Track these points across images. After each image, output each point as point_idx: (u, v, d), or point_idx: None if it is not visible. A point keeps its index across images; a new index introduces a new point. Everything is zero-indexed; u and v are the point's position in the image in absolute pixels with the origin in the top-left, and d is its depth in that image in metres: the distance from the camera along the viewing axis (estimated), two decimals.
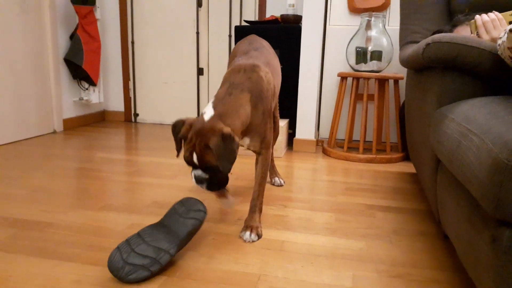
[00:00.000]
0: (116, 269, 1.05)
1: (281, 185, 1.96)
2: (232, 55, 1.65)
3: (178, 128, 1.28)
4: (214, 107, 1.26)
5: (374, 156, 2.51)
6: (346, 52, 2.62)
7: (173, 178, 2.02)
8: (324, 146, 2.74)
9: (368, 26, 2.55)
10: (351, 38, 2.60)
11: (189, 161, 1.24)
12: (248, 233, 1.36)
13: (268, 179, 2.01)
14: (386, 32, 2.55)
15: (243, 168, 2.28)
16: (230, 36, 3.38)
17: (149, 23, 3.54)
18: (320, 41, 2.62)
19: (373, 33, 2.54)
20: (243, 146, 1.43)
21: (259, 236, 1.37)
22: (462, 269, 1.20)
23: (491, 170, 0.71)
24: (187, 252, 1.25)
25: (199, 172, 1.25)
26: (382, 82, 2.60)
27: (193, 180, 1.27)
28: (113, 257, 1.07)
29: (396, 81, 2.61)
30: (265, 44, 1.65)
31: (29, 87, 2.91)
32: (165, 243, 1.12)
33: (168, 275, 1.12)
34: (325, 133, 3.02)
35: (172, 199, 1.72)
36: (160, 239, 1.12)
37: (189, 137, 1.22)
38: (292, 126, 2.89)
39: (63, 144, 2.77)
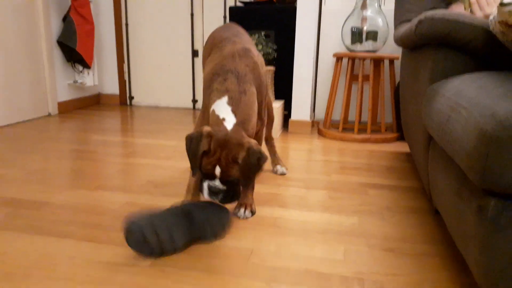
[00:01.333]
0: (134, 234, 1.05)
1: (284, 174, 1.85)
2: (210, 43, 1.52)
3: (196, 141, 1.15)
4: (234, 112, 1.19)
5: (369, 136, 2.52)
6: (342, 32, 2.61)
7: (168, 159, 2.03)
8: (320, 127, 2.75)
9: (364, 6, 2.53)
10: (347, 18, 2.58)
11: (210, 174, 1.17)
12: (242, 210, 1.37)
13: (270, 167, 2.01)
14: (381, 12, 2.54)
15: None
16: (225, 17, 3.35)
17: (143, 5, 3.50)
18: (316, 21, 2.60)
19: (368, 13, 2.52)
20: None
21: (253, 213, 1.39)
22: (451, 243, 1.23)
23: (478, 141, 0.72)
24: None
25: (216, 183, 1.17)
26: (377, 62, 2.60)
27: (206, 191, 1.19)
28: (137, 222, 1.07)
29: (391, 61, 2.61)
30: (241, 30, 1.59)
31: (22, 70, 2.89)
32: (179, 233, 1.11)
33: None
34: (320, 114, 3.02)
35: (168, 179, 1.74)
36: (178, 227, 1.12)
37: (212, 149, 1.14)
38: (287, 108, 2.89)
39: (58, 127, 2.76)
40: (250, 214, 1.37)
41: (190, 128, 2.79)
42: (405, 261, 1.11)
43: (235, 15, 2.83)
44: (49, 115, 3.19)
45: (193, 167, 1.17)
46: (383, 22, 2.52)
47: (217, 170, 1.15)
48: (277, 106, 2.56)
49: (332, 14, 2.84)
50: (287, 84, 2.84)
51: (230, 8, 2.82)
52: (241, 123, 1.19)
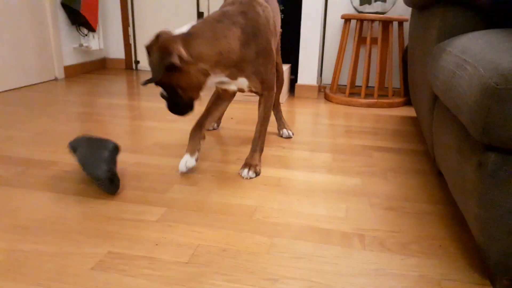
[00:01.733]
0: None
1: (290, 137, 1.86)
2: None
3: (150, 41, 1.23)
4: (192, 26, 1.20)
5: (376, 100, 2.51)
6: None
7: (174, 122, 2.05)
8: (326, 92, 2.73)
9: None
10: None
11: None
12: (246, 170, 1.39)
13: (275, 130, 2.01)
14: None
15: (245, 112, 2.29)
16: None
17: None
18: None
19: None
20: (243, 90, 1.41)
21: (257, 174, 1.41)
22: (452, 202, 1.24)
23: (480, 94, 0.72)
24: (187, 187, 1.30)
25: (161, 89, 1.25)
26: (386, 24, 2.54)
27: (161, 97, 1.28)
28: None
29: (400, 23, 2.55)
30: None
31: (27, 33, 2.88)
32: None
33: (168, 206, 1.16)
34: (327, 79, 2.99)
35: (174, 141, 1.75)
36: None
37: (149, 46, 1.20)
38: (294, 72, 2.86)
39: (65, 91, 2.77)
40: (254, 175, 1.39)
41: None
42: (405, 219, 1.13)
43: None
44: (56, 79, 3.19)
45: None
46: None
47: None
48: (284, 69, 2.53)
49: None
50: (294, 47, 2.80)
51: None
52: (188, 35, 1.18)
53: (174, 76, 1.18)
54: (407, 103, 2.62)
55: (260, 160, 1.46)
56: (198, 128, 1.45)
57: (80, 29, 3.38)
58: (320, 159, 1.58)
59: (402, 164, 1.55)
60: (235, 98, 2.58)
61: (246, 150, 1.67)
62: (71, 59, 3.35)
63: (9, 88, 2.75)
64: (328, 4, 2.82)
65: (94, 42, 3.44)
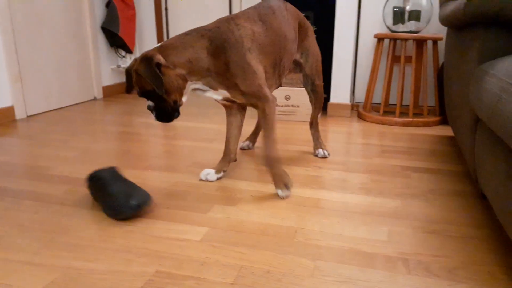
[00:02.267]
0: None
1: (325, 157, 1.86)
2: None
3: (129, 65, 1.37)
4: (163, 41, 1.34)
5: (411, 119, 2.48)
6: (383, 12, 2.55)
7: (211, 142, 2.09)
8: (360, 110, 2.72)
9: None
10: None
11: (138, 92, 1.36)
12: (279, 190, 1.41)
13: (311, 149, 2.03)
14: None
15: (285, 132, 2.31)
16: None
17: None
18: (356, 2, 2.55)
19: None
20: (234, 101, 1.46)
21: (289, 188, 1.42)
22: (498, 226, 1.21)
23: None
24: (227, 207, 1.32)
25: (148, 101, 1.37)
26: (420, 43, 2.53)
27: (148, 110, 1.39)
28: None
29: (435, 41, 2.53)
30: (276, 7, 1.55)
31: (70, 56, 3.03)
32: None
33: (210, 226, 1.19)
34: (359, 97, 2.99)
35: (211, 160, 1.79)
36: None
37: (134, 69, 1.31)
38: (326, 90, 2.88)
39: (103, 110, 2.88)
40: (287, 192, 1.42)
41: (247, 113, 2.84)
42: (450, 243, 1.12)
43: None
44: (95, 99, 3.33)
45: (126, 85, 1.43)
46: (427, 1, 2.44)
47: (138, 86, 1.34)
48: None
49: None
50: (326, 66, 2.82)
51: None
52: (159, 47, 1.31)
53: None
54: (443, 122, 2.58)
55: (284, 172, 1.42)
56: (227, 152, 1.59)
57: (118, 51, 3.52)
58: (357, 180, 1.58)
59: (442, 186, 1.53)
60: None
61: (290, 170, 1.68)
62: (109, 80, 3.49)
63: (53, 108, 2.89)
64: (360, 23, 2.84)
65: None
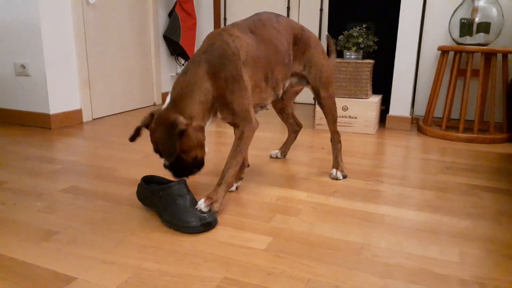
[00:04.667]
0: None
1: (337, 179, 1.70)
2: None
3: (143, 118, 1.34)
4: (170, 94, 1.30)
5: (476, 135, 2.37)
6: (449, 24, 2.46)
7: (267, 150, 2.10)
8: (420, 124, 2.63)
9: None
10: (456, 9, 2.44)
11: (154, 150, 1.34)
12: (203, 203, 1.28)
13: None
14: (496, 2, 2.35)
15: (345, 144, 2.28)
16: (321, 10, 3.33)
17: None
18: (420, 13, 2.49)
19: (481, 3, 2.35)
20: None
21: (213, 211, 1.28)
22: None
23: None
24: (289, 217, 1.32)
25: (164, 160, 1.35)
26: (489, 56, 2.41)
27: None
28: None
29: (505, 55, 2.41)
30: (266, 19, 1.51)
31: (134, 63, 3.17)
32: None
33: (274, 236, 1.19)
34: (419, 110, 2.89)
35: (270, 169, 1.80)
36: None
37: (151, 128, 1.31)
38: (385, 102, 2.81)
39: None
40: (207, 209, 1.27)
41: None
42: None
43: (335, 7, 2.80)
44: (154, 104, 3.45)
45: (131, 136, 1.39)
46: (498, 12, 2.33)
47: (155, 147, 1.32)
48: (375, 100, 2.50)
49: (438, 5, 2.69)
50: (386, 77, 2.76)
51: (330, 1, 2.81)
52: (173, 102, 1.27)
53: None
54: (511, 139, 2.44)
55: (223, 196, 1.33)
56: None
57: (178, 59, 3.64)
58: (422, 196, 1.52)
59: None
60: (325, 127, 2.59)
61: (344, 182, 1.66)
62: (168, 86, 3.61)
63: (116, 112, 3.03)
64: (423, 34, 2.76)
65: None
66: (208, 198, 1.30)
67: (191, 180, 1.65)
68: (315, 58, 1.62)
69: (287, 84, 1.62)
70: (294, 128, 1.95)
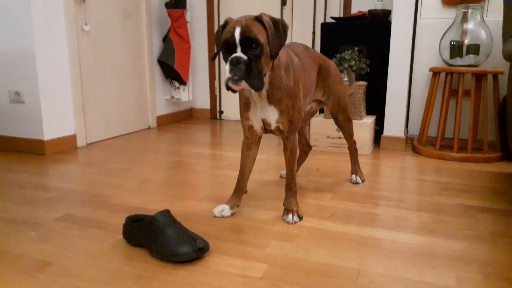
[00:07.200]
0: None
1: (357, 183, 1.95)
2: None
3: (219, 28, 1.30)
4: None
5: (470, 155, 2.38)
6: (440, 46, 2.51)
7: (263, 173, 2.10)
8: (415, 144, 2.65)
9: (465, 19, 2.41)
10: (445, 32, 2.49)
11: (229, 41, 1.21)
12: (290, 216, 1.48)
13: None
14: (484, 24, 2.40)
15: (330, 164, 2.29)
16: (314, 33, 3.39)
17: None
18: (410, 35, 2.53)
19: (469, 25, 2.40)
20: (269, 127, 1.45)
21: (300, 218, 1.49)
22: None
23: None
24: (285, 243, 1.31)
25: (239, 54, 1.21)
26: (479, 77, 2.45)
27: (228, 67, 1.21)
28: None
29: (495, 76, 2.45)
30: (302, 49, 1.65)
31: (129, 87, 3.19)
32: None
33: (269, 263, 1.18)
34: (414, 130, 2.91)
35: (265, 193, 1.80)
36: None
37: (231, 22, 1.25)
38: (379, 123, 2.84)
39: (157, 139, 2.99)
40: (298, 219, 1.47)
41: (279, 143, 2.85)
42: None
43: (327, 31, 2.85)
44: (149, 128, 3.46)
45: (216, 47, 1.32)
46: (487, 35, 2.38)
47: (237, 32, 1.20)
48: (369, 121, 2.53)
49: (428, 28, 2.75)
50: (379, 99, 2.79)
51: (322, 24, 2.86)
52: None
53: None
54: (505, 158, 2.46)
55: (297, 204, 1.53)
56: (240, 186, 1.58)
57: (172, 83, 3.67)
58: (418, 219, 1.52)
59: (510, 229, 1.44)
60: (320, 149, 2.60)
61: (340, 206, 1.66)
62: (163, 110, 3.63)
63: (111, 136, 3.03)
64: (414, 56, 2.81)
65: (184, 94, 3.70)
66: (289, 211, 1.49)
67: (188, 208, 1.64)
68: (334, 85, 1.80)
69: (307, 108, 1.75)
70: (305, 149, 2.08)
